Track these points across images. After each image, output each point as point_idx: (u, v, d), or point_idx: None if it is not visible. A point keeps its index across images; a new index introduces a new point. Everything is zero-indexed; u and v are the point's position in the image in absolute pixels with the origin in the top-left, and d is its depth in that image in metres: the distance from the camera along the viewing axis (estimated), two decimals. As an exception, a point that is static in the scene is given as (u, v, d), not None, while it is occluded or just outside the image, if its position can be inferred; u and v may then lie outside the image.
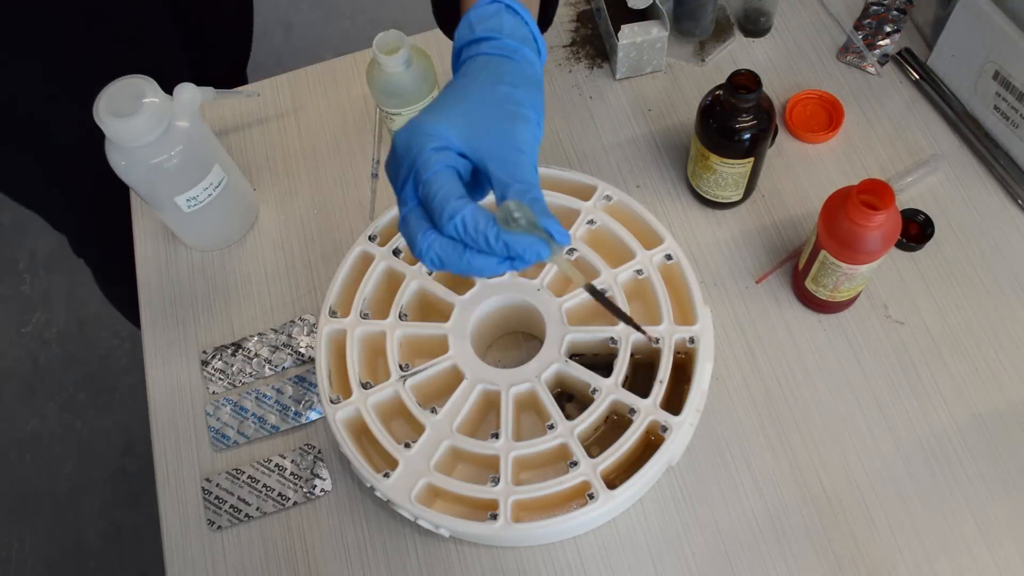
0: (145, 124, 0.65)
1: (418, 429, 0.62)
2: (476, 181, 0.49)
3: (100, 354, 1.58)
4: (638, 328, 0.52)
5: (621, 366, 0.62)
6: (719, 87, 0.68)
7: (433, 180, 0.45)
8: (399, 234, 0.68)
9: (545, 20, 0.61)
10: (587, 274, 0.66)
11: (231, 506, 0.68)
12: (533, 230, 0.44)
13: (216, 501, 0.69)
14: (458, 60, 0.53)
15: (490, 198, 0.48)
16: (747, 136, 0.67)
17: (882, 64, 0.83)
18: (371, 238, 0.68)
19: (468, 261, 0.45)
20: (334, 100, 0.87)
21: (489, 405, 0.65)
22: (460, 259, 0.45)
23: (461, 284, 0.68)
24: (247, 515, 0.68)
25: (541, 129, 0.49)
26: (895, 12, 0.85)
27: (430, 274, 0.67)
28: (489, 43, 0.51)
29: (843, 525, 0.64)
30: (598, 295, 0.52)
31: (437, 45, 0.88)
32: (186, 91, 0.70)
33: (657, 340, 0.62)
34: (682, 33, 0.84)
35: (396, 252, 0.67)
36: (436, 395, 0.65)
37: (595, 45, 0.87)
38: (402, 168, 0.46)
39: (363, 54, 0.89)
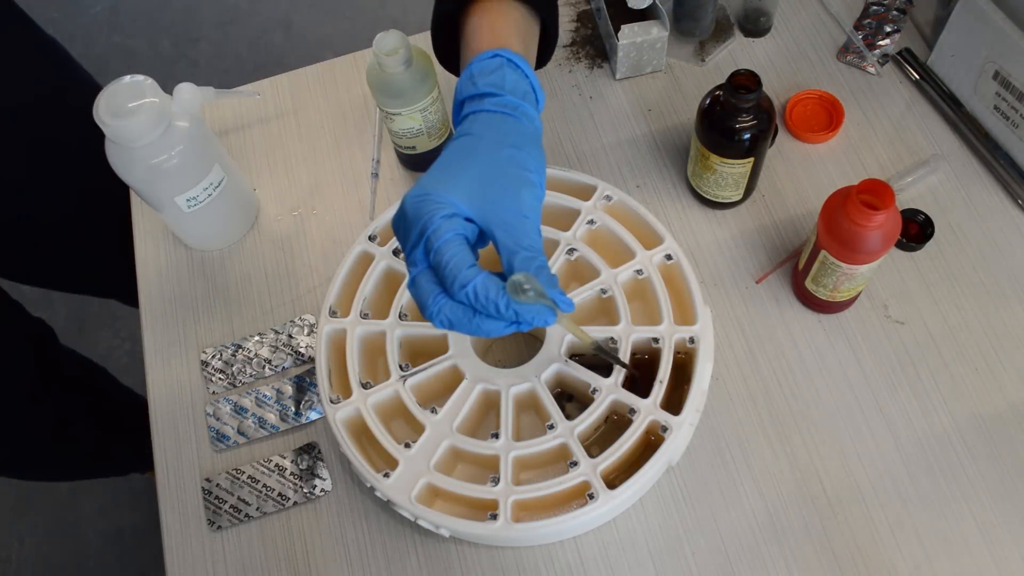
0: (145, 124, 0.65)
1: (418, 429, 0.62)
2: (481, 239, 0.51)
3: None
4: (633, 386, 0.58)
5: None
6: (719, 87, 0.68)
7: (444, 249, 0.47)
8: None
9: (543, 59, 0.64)
10: (587, 274, 0.66)
11: (231, 506, 0.68)
12: (541, 299, 0.46)
13: (216, 501, 0.69)
14: (459, 112, 0.54)
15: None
16: (747, 136, 0.67)
17: (882, 64, 0.83)
18: (371, 238, 0.68)
19: (477, 325, 0.47)
20: (334, 100, 0.87)
21: (489, 405, 0.65)
22: (470, 323, 0.47)
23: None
24: (247, 515, 0.68)
25: (543, 188, 0.51)
26: (895, 12, 0.85)
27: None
28: (491, 99, 0.52)
29: (843, 525, 0.64)
30: (607, 353, 0.56)
31: (437, 45, 0.88)
32: (186, 91, 0.70)
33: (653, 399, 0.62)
34: (682, 33, 0.84)
35: (396, 252, 0.67)
36: (436, 395, 0.65)
37: (595, 45, 0.87)
38: (412, 232, 0.48)
39: (363, 54, 0.89)
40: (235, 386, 0.73)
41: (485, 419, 0.67)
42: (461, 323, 0.47)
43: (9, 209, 0.90)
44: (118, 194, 0.84)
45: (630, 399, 0.61)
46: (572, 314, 0.65)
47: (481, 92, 0.53)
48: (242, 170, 0.83)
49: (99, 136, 0.67)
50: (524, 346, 0.73)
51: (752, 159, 0.70)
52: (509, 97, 0.53)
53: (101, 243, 0.98)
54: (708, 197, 0.75)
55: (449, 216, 0.48)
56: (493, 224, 0.49)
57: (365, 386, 0.63)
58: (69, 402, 1.04)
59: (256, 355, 0.74)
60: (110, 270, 1.04)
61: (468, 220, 0.49)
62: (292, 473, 0.69)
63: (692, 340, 0.63)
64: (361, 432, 0.63)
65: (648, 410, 0.60)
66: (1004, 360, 0.69)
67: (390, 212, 0.69)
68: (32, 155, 0.88)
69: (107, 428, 1.13)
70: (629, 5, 0.78)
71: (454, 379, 0.63)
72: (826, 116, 0.80)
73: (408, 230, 0.49)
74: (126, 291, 0.90)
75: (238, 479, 0.69)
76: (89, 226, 0.98)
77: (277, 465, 0.70)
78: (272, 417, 0.71)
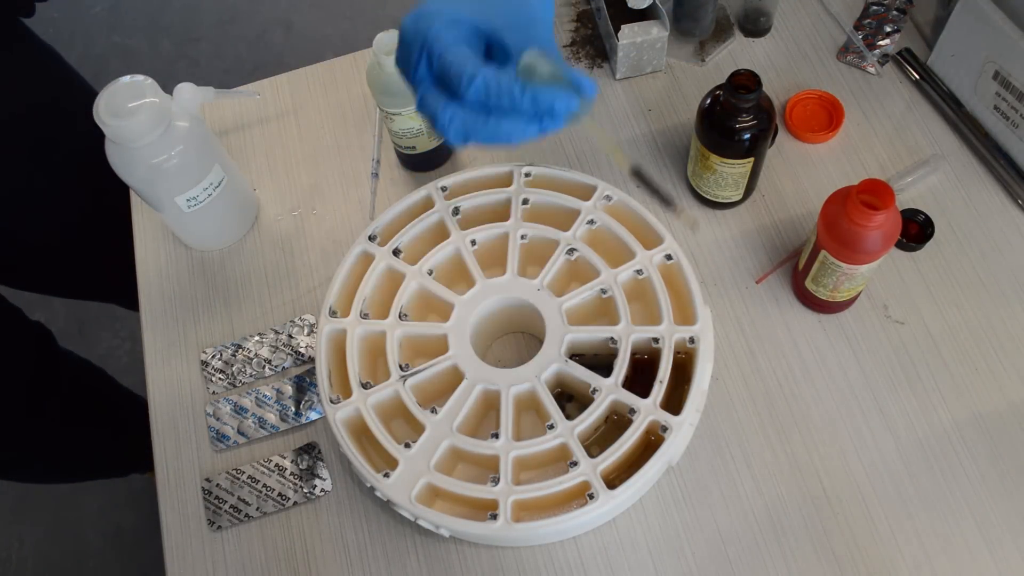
0: (145, 124, 0.65)
1: (418, 429, 0.62)
2: (491, 60, 0.47)
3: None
4: (671, 207, 0.52)
5: (621, 366, 0.62)
6: (719, 87, 0.68)
7: (447, 52, 0.43)
8: (399, 234, 0.68)
9: None
10: (587, 274, 0.66)
11: (231, 506, 0.68)
12: (557, 81, 0.42)
13: (216, 501, 0.69)
14: None
15: None
16: (747, 136, 0.67)
17: (882, 64, 0.83)
18: (371, 238, 0.68)
19: (495, 126, 0.43)
20: (334, 100, 0.87)
21: (489, 405, 0.65)
22: (486, 126, 0.43)
23: (461, 284, 0.68)
24: (247, 515, 0.68)
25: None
26: (895, 12, 0.85)
27: (430, 273, 0.67)
28: None
29: (843, 525, 0.64)
30: (644, 179, 0.51)
31: (437, 45, 0.88)
32: (186, 91, 0.70)
33: (693, 225, 0.58)
34: (682, 33, 0.84)
35: (396, 252, 0.67)
36: (436, 395, 0.65)
37: (595, 45, 0.87)
38: (413, 51, 0.45)
39: (363, 54, 0.89)
40: (235, 386, 0.73)
41: (485, 419, 0.67)
42: (477, 128, 0.43)
43: (9, 219, 0.90)
44: (118, 201, 0.84)
45: (630, 399, 0.61)
46: (572, 310, 0.65)
47: None
48: (242, 170, 0.83)
49: (98, 144, 0.67)
50: (524, 346, 0.73)
51: (752, 159, 0.70)
52: None
53: (102, 250, 0.98)
54: (708, 197, 0.75)
55: (451, 22, 0.44)
56: (500, 27, 0.45)
57: (365, 386, 0.63)
58: (69, 404, 1.04)
59: (256, 355, 0.74)
60: (111, 277, 1.04)
61: (472, 33, 0.45)
62: (292, 473, 0.69)
63: (692, 340, 0.63)
64: (361, 432, 0.63)
65: (648, 410, 0.60)
66: (1004, 360, 0.69)
67: (390, 212, 0.69)
68: (31, 164, 0.88)
69: (107, 429, 1.13)
70: (629, 5, 0.78)
71: (454, 379, 0.63)
72: (826, 116, 0.80)
73: (409, 51, 0.45)
74: (127, 296, 0.90)
75: (238, 479, 0.69)
76: (89, 234, 0.98)
77: (277, 465, 0.70)
78: (272, 417, 0.71)
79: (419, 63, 0.44)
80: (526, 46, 0.44)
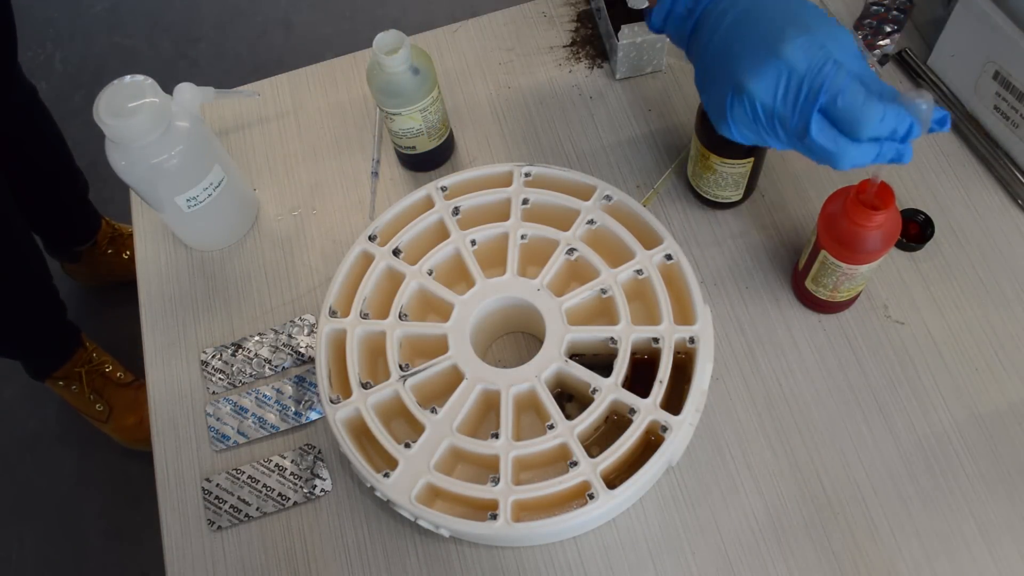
0: (145, 124, 0.65)
1: (418, 429, 0.62)
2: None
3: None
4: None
5: (621, 366, 0.62)
6: (719, 87, 0.67)
7: (849, 94, 0.49)
8: (399, 234, 0.68)
9: None
10: (587, 274, 0.66)
11: (231, 506, 0.68)
12: (927, 120, 0.50)
13: (216, 501, 0.69)
14: None
15: None
16: (747, 136, 0.67)
17: (882, 64, 0.83)
18: (371, 238, 0.68)
19: (884, 154, 0.52)
20: (334, 100, 0.87)
21: (489, 405, 0.65)
22: (874, 156, 0.52)
23: (461, 284, 0.68)
24: (247, 515, 0.68)
25: None
26: (895, 12, 0.85)
27: (430, 274, 0.67)
28: None
29: (843, 525, 0.64)
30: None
31: (437, 45, 0.88)
32: (186, 91, 0.70)
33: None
34: (682, 33, 0.84)
35: (396, 252, 0.67)
36: (436, 395, 0.65)
37: (595, 45, 0.87)
38: (802, 89, 0.50)
39: (363, 54, 0.89)
40: (235, 386, 0.73)
41: (485, 419, 0.67)
42: (875, 156, 0.51)
43: None
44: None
45: (630, 399, 0.61)
46: (572, 310, 0.65)
47: None
48: (242, 170, 0.83)
49: None
50: (524, 346, 0.73)
51: (752, 159, 0.70)
52: None
53: None
54: (708, 197, 0.75)
55: (837, 63, 0.50)
56: (853, 66, 0.51)
57: (365, 386, 0.63)
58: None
59: (256, 355, 0.74)
60: None
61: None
62: (292, 473, 0.69)
63: (692, 340, 0.63)
64: (361, 432, 0.63)
65: (648, 410, 0.60)
66: (1004, 360, 0.69)
67: (390, 212, 0.69)
68: None
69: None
70: (629, 5, 0.78)
71: (454, 379, 0.64)
72: (826, 116, 0.80)
73: (797, 81, 0.50)
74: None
75: (238, 479, 0.69)
76: None
77: (277, 465, 0.70)
78: (272, 417, 0.71)
79: (809, 102, 0.50)
80: (878, 87, 0.51)
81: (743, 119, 0.54)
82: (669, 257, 0.66)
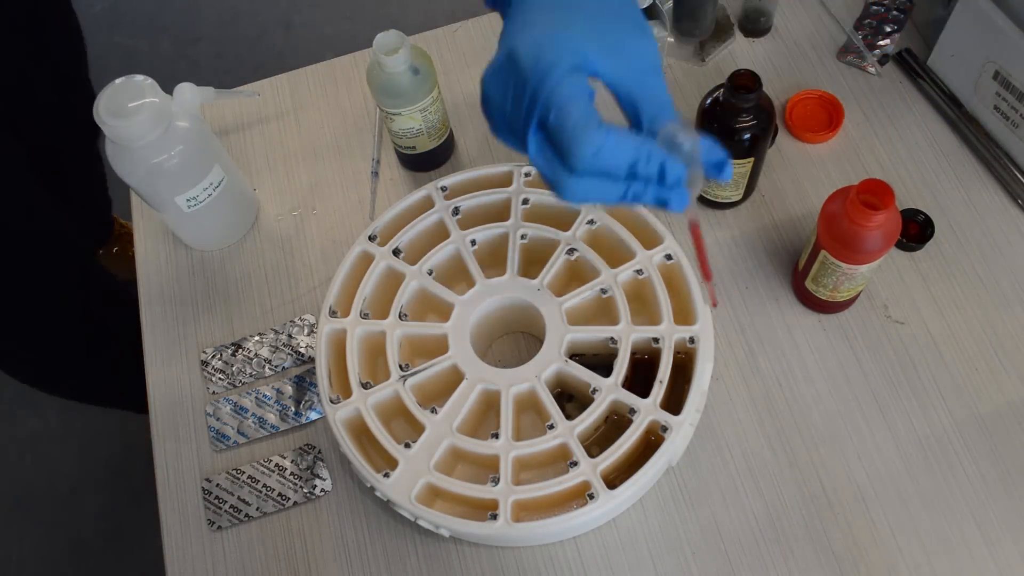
0: (145, 124, 0.65)
1: (418, 429, 0.62)
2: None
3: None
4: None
5: (621, 366, 0.62)
6: (719, 87, 0.68)
7: (568, 109, 0.39)
8: (399, 233, 0.68)
9: None
10: (587, 274, 0.66)
11: (231, 506, 0.68)
12: (693, 159, 0.40)
13: (216, 501, 0.69)
14: None
15: None
16: (747, 136, 0.67)
17: (882, 64, 0.83)
18: (371, 238, 0.68)
19: (616, 192, 0.40)
20: (334, 100, 0.87)
21: (489, 405, 0.65)
22: (605, 193, 0.41)
23: (461, 284, 0.68)
24: (247, 515, 0.68)
25: None
26: (895, 12, 0.85)
27: (430, 274, 0.67)
28: None
29: (843, 525, 0.64)
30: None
31: (437, 45, 0.88)
32: (186, 91, 0.70)
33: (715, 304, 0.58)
34: (682, 33, 0.84)
35: (396, 252, 0.67)
36: (436, 395, 0.65)
37: (595, 45, 0.87)
38: (524, 95, 0.40)
39: (363, 54, 0.89)
40: (235, 386, 0.73)
41: (485, 419, 0.67)
42: (599, 195, 0.41)
43: None
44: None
45: (630, 399, 0.61)
46: (572, 310, 0.65)
47: None
48: (242, 170, 0.83)
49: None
50: (524, 346, 0.73)
51: (752, 159, 0.70)
52: None
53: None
54: (708, 197, 0.75)
55: (575, 68, 0.40)
56: (623, 77, 0.41)
57: (365, 386, 0.63)
58: (105, 316, 1.05)
59: (256, 355, 0.74)
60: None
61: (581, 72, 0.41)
62: (292, 473, 0.69)
63: (692, 340, 0.63)
64: (361, 432, 0.63)
65: (648, 410, 0.60)
66: (1004, 360, 0.69)
67: (390, 212, 0.69)
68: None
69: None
70: (629, 5, 0.78)
71: (454, 379, 0.63)
72: (826, 116, 0.80)
73: (522, 83, 0.40)
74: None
75: (238, 479, 0.69)
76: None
77: (277, 465, 0.70)
78: (272, 417, 0.71)
79: (532, 111, 0.40)
80: (656, 104, 0.41)
81: (486, 112, 0.44)
82: (669, 257, 0.66)
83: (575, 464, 0.59)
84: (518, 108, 0.41)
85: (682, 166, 0.40)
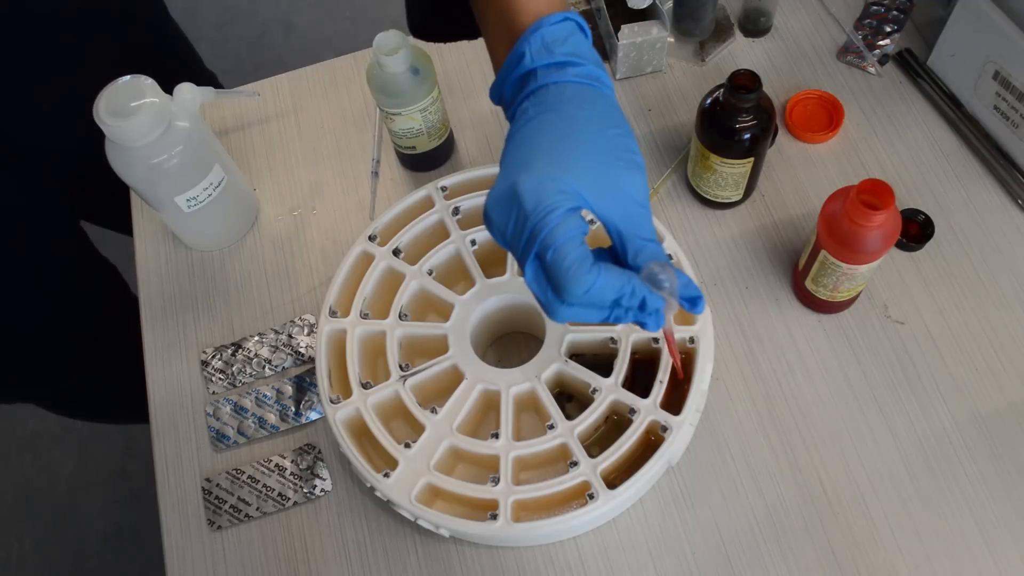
0: (145, 124, 0.65)
1: (418, 429, 0.62)
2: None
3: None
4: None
5: (621, 366, 0.62)
6: (719, 87, 0.68)
7: (564, 252, 0.44)
8: (399, 233, 0.68)
9: None
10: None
11: (231, 506, 0.68)
12: (671, 296, 0.45)
13: (216, 501, 0.69)
14: (530, 81, 0.48)
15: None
16: (747, 136, 0.67)
17: (882, 64, 0.83)
18: (371, 238, 0.68)
19: (599, 317, 0.46)
20: (334, 100, 0.87)
21: (489, 405, 0.65)
22: (591, 316, 0.46)
23: (461, 284, 0.68)
24: (247, 515, 0.68)
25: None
26: (895, 12, 0.85)
27: (430, 273, 0.67)
28: (573, 70, 0.48)
29: (843, 525, 0.64)
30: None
31: (437, 45, 0.88)
32: (186, 91, 0.70)
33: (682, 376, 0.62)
34: (682, 33, 0.84)
35: (396, 252, 0.67)
36: (436, 395, 0.65)
37: (595, 45, 0.87)
38: (524, 230, 0.44)
39: (363, 54, 0.89)
40: (235, 386, 0.73)
41: (485, 419, 0.67)
42: (584, 317, 0.46)
43: None
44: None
45: (630, 399, 0.61)
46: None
47: (560, 61, 0.47)
48: (242, 170, 0.83)
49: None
50: (524, 346, 0.73)
51: (752, 159, 0.70)
52: (591, 67, 0.48)
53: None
54: (708, 197, 0.75)
55: (572, 210, 0.44)
56: (612, 214, 0.45)
57: (365, 386, 0.63)
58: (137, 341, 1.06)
59: (256, 355, 0.74)
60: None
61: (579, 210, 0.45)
62: (292, 473, 0.69)
63: (692, 340, 0.63)
64: (361, 432, 0.63)
65: (648, 410, 0.60)
66: (1004, 360, 0.69)
67: (390, 212, 0.69)
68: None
69: None
70: (629, 5, 0.78)
71: (454, 379, 0.63)
72: (826, 116, 0.80)
73: (523, 218, 0.44)
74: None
75: (238, 479, 0.69)
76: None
77: (277, 465, 0.70)
78: (272, 417, 0.71)
79: (530, 247, 0.44)
80: (639, 240, 0.46)
81: (489, 230, 0.48)
82: (669, 257, 0.65)
83: (575, 464, 0.59)
84: (518, 238, 0.45)
85: (661, 299, 0.45)
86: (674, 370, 0.62)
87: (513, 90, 0.50)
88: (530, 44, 0.48)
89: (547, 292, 0.45)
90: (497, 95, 0.52)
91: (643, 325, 0.46)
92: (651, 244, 0.46)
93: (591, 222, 0.61)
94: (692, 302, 0.47)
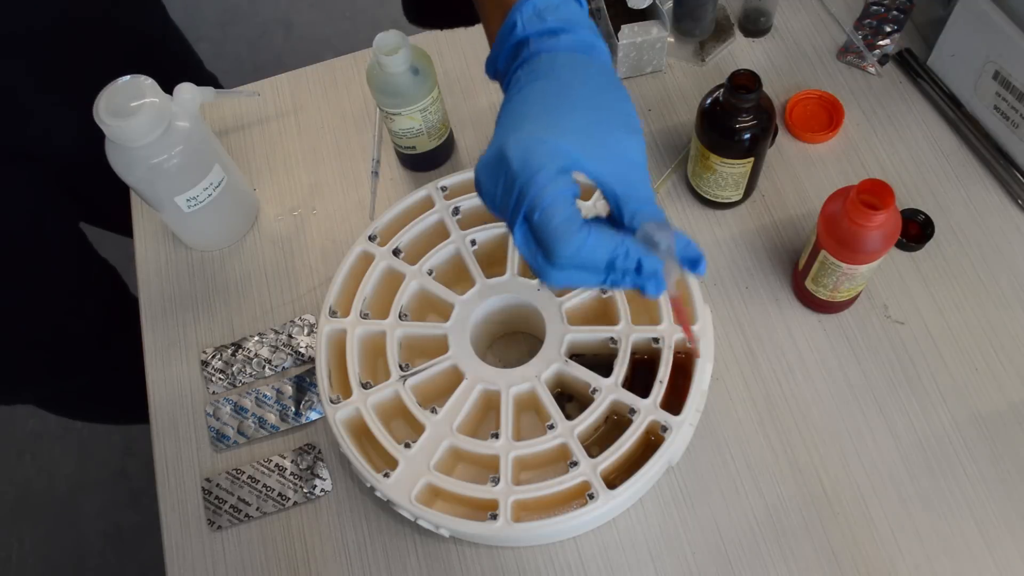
0: (145, 124, 0.65)
1: (418, 429, 0.62)
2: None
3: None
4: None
5: (621, 366, 0.62)
6: (719, 87, 0.68)
7: (551, 212, 0.42)
8: (399, 233, 0.68)
9: None
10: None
11: (231, 506, 0.68)
12: (670, 255, 0.43)
13: (216, 501, 0.69)
14: (515, 52, 0.48)
15: None
16: (747, 136, 0.67)
17: (882, 64, 0.83)
18: (371, 238, 0.68)
19: (594, 280, 0.44)
20: (334, 100, 0.87)
21: (489, 405, 0.65)
22: (585, 279, 0.44)
23: (461, 284, 0.68)
24: (247, 515, 0.68)
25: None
26: (895, 12, 0.85)
27: (430, 273, 0.67)
28: (567, 37, 0.46)
29: (843, 525, 0.64)
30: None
31: (437, 45, 0.88)
32: (186, 91, 0.70)
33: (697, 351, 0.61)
34: (682, 33, 0.84)
35: (396, 252, 0.67)
36: (436, 395, 0.65)
37: (595, 45, 0.87)
38: (512, 192, 0.43)
39: (363, 54, 0.89)
40: (235, 386, 0.73)
41: (485, 419, 0.67)
42: (579, 281, 0.44)
43: None
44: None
45: (630, 399, 0.61)
46: (572, 310, 0.65)
47: (552, 28, 0.46)
48: (242, 170, 0.83)
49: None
50: (524, 346, 0.73)
51: (752, 159, 0.70)
52: (586, 33, 0.47)
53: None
54: (708, 197, 0.75)
55: (562, 171, 0.42)
56: (608, 175, 0.44)
57: (365, 386, 0.63)
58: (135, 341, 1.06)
59: (256, 355, 0.74)
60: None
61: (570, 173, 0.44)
62: (292, 473, 0.69)
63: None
64: (361, 432, 0.63)
65: (648, 410, 0.60)
66: (1004, 360, 0.69)
67: (390, 212, 0.69)
68: None
69: None
70: (629, 5, 0.78)
71: (454, 379, 0.63)
72: (826, 116, 0.80)
73: (511, 180, 0.43)
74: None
75: (238, 479, 0.69)
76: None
77: (277, 465, 0.70)
78: (272, 417, 0.71)
79: (519, 208, 0.43)
80: (636, 201, 0.44)
81: (479, 195, 0.47)
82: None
83: (575, 464, 0.59)
84: (506, 201, 0.44)
85: (658, 261, 0.43)
86: (680, 361, 0.61)
87: (507, 61, 0.49)
88: (522, 13, 0.47)
89: (536, 255, 0.44)
90: (492, 68, 0.50)
91: (643, 290, 0.44)
92: (649, 206, 0.44)
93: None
94: (693, 263, 0.45)
